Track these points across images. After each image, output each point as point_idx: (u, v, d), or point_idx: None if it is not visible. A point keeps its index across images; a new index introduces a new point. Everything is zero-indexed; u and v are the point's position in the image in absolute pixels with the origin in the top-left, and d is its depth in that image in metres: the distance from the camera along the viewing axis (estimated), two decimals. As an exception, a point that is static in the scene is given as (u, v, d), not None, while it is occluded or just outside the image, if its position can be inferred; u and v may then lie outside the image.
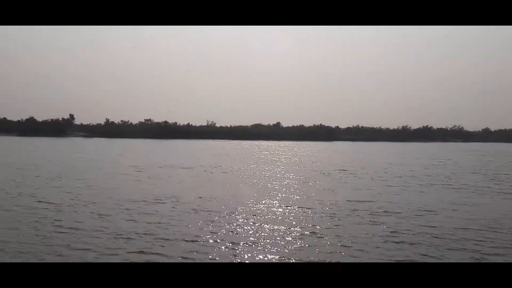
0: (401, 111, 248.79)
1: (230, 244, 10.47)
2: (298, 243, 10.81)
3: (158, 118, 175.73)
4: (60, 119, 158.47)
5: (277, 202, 17.17)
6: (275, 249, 10.24)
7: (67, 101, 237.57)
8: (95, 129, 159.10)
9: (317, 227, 12.59)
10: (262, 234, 11.67)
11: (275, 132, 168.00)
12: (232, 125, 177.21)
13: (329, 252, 10.04)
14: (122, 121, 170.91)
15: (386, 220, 13.69)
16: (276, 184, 23.64)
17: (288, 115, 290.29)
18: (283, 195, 19.22)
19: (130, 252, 9.75)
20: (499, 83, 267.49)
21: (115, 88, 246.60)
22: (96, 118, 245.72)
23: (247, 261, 9.25)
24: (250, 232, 11.81)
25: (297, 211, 15.27)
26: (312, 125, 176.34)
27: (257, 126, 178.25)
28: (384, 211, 15.26)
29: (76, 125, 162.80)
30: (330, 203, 16.78)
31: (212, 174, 29.11)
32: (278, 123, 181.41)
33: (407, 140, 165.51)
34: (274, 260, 9.41)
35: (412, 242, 11.06)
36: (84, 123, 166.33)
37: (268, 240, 10.98)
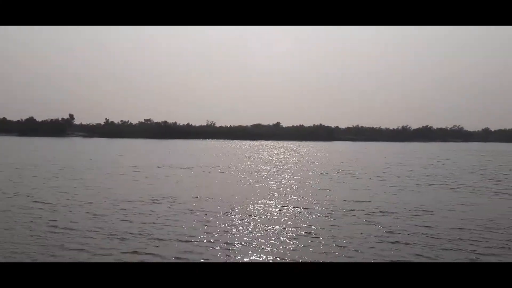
0: (401, 111, 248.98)
1: (224, 244, 10.44)
2: (292, 243, 10.77)
3: (158, 118, 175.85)
4: (60, 119, 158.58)
5: (273, 202, 17.14)
6: (268, 249, 10.21)
7: (67, 101, 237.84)
8: (95, 129, 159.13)
9: (312, 227, 12.56)
10: (256, 234, 11.63)
11: (275, 132, 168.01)
12: (232, 125, 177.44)
13: (323, 253, 10.01)
14: (122, 121, 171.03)
15: (382, 220, 13.66)
16: (273, 184, 23.61)
17: (288, 115, 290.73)
18: (280, 195, 19.20)
19: (124, 253, 9.71)
20: (499, 83, 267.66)
21: (115, 88, 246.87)
22: (96, 118, 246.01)
23: (247, 261, 9.22)
24: (244, 232, 11.78)
25: (293, 211, 15.24)
26: (312, 125, 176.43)
27: (257, 126, 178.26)
28: (381, 211, 15.23)
29: (76, 125, 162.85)
30: (326, 203, 16.75)
31: (210, 174, 29.08)
32: (278, 123, 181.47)
33: (407, 140, 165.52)
34: (268, 260, 9.38)
35: (407, 242, 11.03)
36: (84, 123, 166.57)
37: (261, 241, 10.94)
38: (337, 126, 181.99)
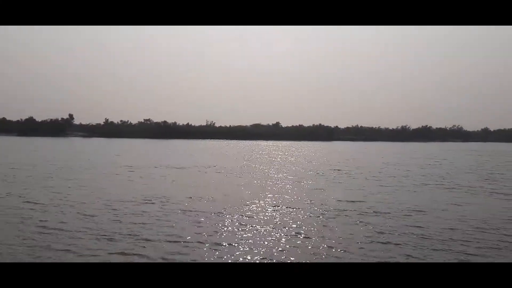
0: (400, 111, 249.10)
1: (212, 245, 10.37)
2: (281, 244, 10.69)
3: (157, 118, 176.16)
4: (60, 119, 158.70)
5: (267, 202, 17.07)
6: (255, 250, 10.13)
7: (67, 101, 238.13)
8: (95, 129, 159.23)
9: (303, 227, 12.49)
10: (246, 234, 11.56)
11: (275, 132, 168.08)
12: (232, 125, 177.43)
13: (312, 253, 9.94)
14: (121, 121, 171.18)
15: (374, 221, 13.59)
16: (268, 184, 23.54)
17: (288, 115, 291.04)
18: (274, 195, 19.13)
19: (110, 253, 9.64)
20: (498, 83, 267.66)
21: (115, 88, 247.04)
22: (96, 118, 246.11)
23: (247, 261, 9.17)
24: (233, 233, 11.71)
25: (285, 211, 15.18)
26: (311, 125, 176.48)
27: (257, 126, 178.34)
28: (374, 211, 15.16)
29: (76, 125, 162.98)
30: (320, 203, 16.69)
31: (205, 174, 29.02)
32: (278, 123, 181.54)
33: (407, 140, 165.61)
34: (258, 260, 9.31)
35: (398, 243, 10.97)
36: (84, 123, 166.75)
37: (249, 241, 10.88)
38: (336, 126, 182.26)
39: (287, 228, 12.41)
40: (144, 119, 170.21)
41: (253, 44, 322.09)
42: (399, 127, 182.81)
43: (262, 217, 14.03)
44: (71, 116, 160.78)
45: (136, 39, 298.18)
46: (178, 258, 9.35)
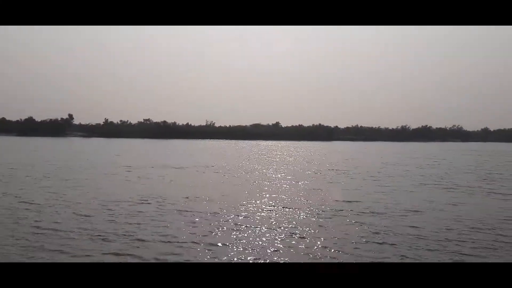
0: (400, 111, 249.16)
1: (206, 245, 10.33)
2: (275, 244, 10.65)
3: (157, 118, 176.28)
4: (59, 119, 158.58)
5: (263, 202, 17.03)
6: (249, 250, 10.10)
7: (66, 101, 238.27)
8: (94, 129, 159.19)
9: (299, 227, 12.45)
10: (241, 235, 11.51)
11: (274, 132, 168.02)
12: (231, 125, 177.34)
13: (306, 254, 9.90)
14: (121, 121, 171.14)
15: (370, 221, 13.55)
16: (265, 184, 23.51)
17: (288, 115, 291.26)
18: (271, 195, 19.09)
19: (104, 254, 9.61)
20: (498, 83, 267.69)
21: (115, 88, 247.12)
22: (95, 118, 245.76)
23: (247, 261, 9.15)
24: (228, 233, 11.66)
25: (281, 211, 15.14)
26: (311, 125, 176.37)
27: (256, 126, 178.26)
28: (371, 212, 15.13)
29: (75, 125, 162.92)
30: (317, 204, 16.65)
31: (203, 174, 28.98)
32: (277, 123, 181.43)
33: (407, 140, 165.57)
34: (259, 260, 9.27)
35: (393, 243, 10.92)
36: (83, 123, 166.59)
37: (244, 241, 10.83)
38: (336, 126, 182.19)
39: (282, 228, 12.37)
40: (143, 119, 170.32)
41: (253, 44, 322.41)
42: (399, 127, 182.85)
43: (257, 217, 13.99)
44: (70, 116, 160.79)
45: (136, 39, 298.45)
46: (172, 259, 9.31)
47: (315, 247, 10.43)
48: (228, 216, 13.85)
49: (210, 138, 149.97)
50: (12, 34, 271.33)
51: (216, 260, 9.22)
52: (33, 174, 25.79)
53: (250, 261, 9.20)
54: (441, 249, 10.38)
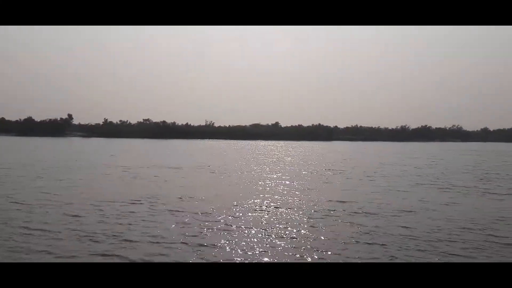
0: (400, 111, 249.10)
1: (196, 246, 10.26)
2: (265, 244, 10.57)
3: (157, 118, 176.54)
4: (59, 119, 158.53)
5: (256, 202, 16.95)
6: (238, 250, 10.02)
7: (66, 101, 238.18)
8: (94, 129, 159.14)
9: (290, 228, 12.38)
10: (231, 235, 11.43)
11: (274, 132, 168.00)
12: (231, 125, 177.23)
13: (294, 254, 9.82)
14: (120, 121, 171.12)
15: (363, 221, 13.47)
16: (260, 184, 23.43)
17: (287, 115, 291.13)
18: (265, 195, 19.01)
19: (91, 254, 9.53)
20: (498, 83, 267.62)
21: (114, 88, 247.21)
22: (95, 118, 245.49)
23: (247, 262, 9.10)
24: (218, 233, 11.57)
25: (274, 211, 15.07)
26: (311, 124, 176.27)
27: (256, 126, 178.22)
28: (364, 212, 15.05)
29: (75, 125, 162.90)
30: (311, 204, 16.58)
31: (199, 174, 28.91)
32: (277, 123, 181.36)
33: (406, 140, 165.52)
34: (257, 260, 9.21)
35: (383, 243, 10.85)
36: (83, 123, 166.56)
37: (233, 241, 10.76)
38: (336, 126, 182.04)
39: (273, 228, 12.30)
40: (143, 119, 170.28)
41: (253, 44, 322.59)
42: (398, 127, 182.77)
43: (249, 217, 13.91)
44: (70, 116, 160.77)
45: (136, 39, 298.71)
46: (159, 259, 9.24)
47: (304, 247, 10.35)
48: (219, 217, 13.77)
49: (210, 138, 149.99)
50: (12, 34, 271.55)
51: (206, 260, 9.15)
52: (27, 174, 25.72)
53: (250, 262, 9.12)
54: (431, 250, 10.31)
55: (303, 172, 31.30)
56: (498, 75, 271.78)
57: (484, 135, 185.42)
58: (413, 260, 9.46)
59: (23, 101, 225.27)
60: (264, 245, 10.57)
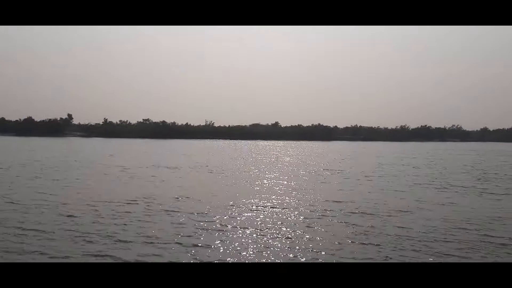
0: (400, 111, 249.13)
1: (190, 246, 10.23)
2: (260, 244, 10.54)
3: (156, 118, 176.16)
4: (58, 119, 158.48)
5: (253, 202, 16.91)
6: (233, 250, 9.99)
7: (66, 101, 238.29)
8: (93, 129, 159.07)
9: (285, 228, 12.35)
10: (226, 235, 11.39)
11: (273, 132, 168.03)
12: (231, 125, 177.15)
13: (289, 254, 9.79)
14: (120, 121, 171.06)
15: (359, 221, 13.44)
16: (257, 184, 23.40)
17: (287, 115, 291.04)
18: (262, 195, 18.97)
19: (85, 255, 9.50)
20: (498, 83, 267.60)
21: (114, 88, 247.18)
22: (95, 118, 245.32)
23: (247, 262, 9.07)
24: (213, 233, 11.54)
25: (270, 211, 15.03)
26: (310, 124, 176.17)
27: (255, 126, 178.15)
28: (360, 212, 15.01)
29: (74, 125, 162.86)
30: (307, 204, 16.55)
31: (197, 174, 28.88)
32: (277, 123, 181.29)
33: (406, 139, 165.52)
34: (257, 260, 9.18)
35: (378, 243, 10.82)
36: (82, 123, 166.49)
37: (227, 241, 10.72)
38: (335, 126, 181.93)
39: (268, 228, 12.27)
40: (143, 119, 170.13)
41: (253, 44, 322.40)
42: (398, 127, 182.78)
43: (245, 217, 13.87)
44: (69, 116, 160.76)
45: (136, 39, 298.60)
46: (153, 259, 9.21)
47: (299, 247, 10.32)
48: (215, 217, 13.73)
49: (209, 138, 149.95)
50: (12, 34, 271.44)
51: (200, 261, 9.13)
52: (24, 174, 25.69)
53: (250, 262, 9.09)
54: (425, 250, 10.29)
55: (301, 172, 31.27)
56: (497, 75, 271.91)
57: (484, 135, 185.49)
58: (407, 260, 9.44)
59: (23, 101, 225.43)
60: (259, 245, 10.53)
